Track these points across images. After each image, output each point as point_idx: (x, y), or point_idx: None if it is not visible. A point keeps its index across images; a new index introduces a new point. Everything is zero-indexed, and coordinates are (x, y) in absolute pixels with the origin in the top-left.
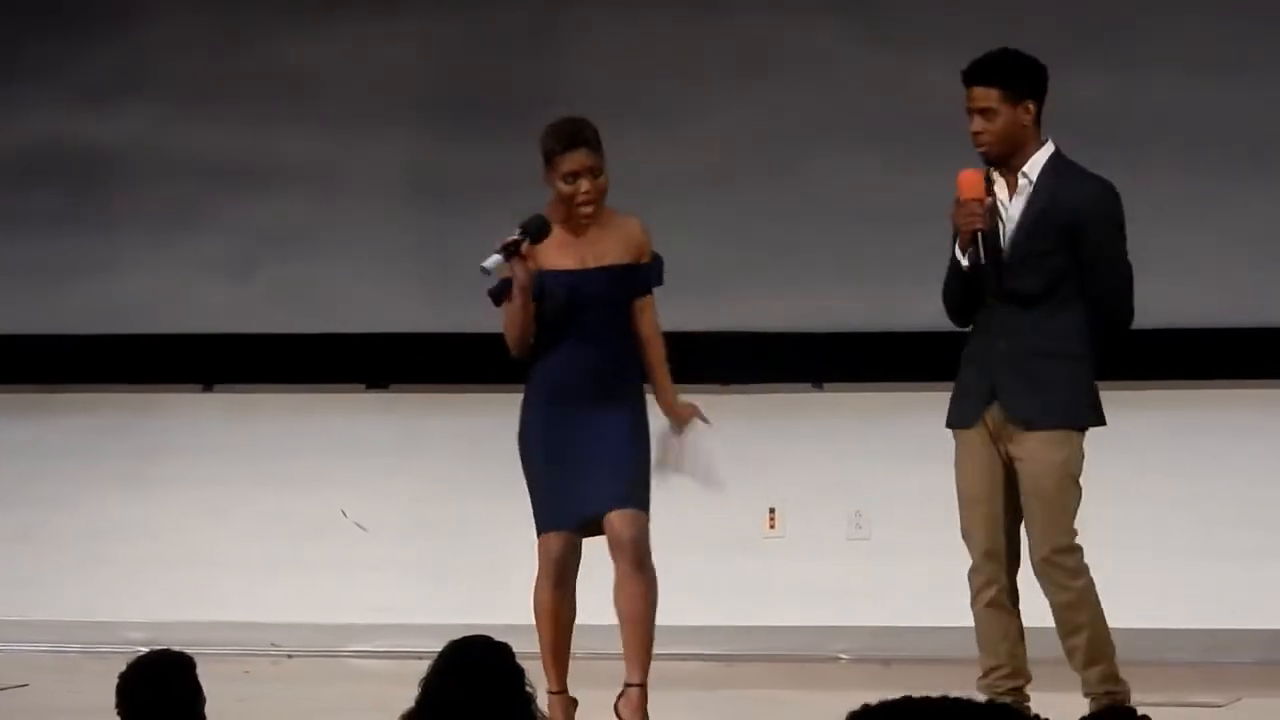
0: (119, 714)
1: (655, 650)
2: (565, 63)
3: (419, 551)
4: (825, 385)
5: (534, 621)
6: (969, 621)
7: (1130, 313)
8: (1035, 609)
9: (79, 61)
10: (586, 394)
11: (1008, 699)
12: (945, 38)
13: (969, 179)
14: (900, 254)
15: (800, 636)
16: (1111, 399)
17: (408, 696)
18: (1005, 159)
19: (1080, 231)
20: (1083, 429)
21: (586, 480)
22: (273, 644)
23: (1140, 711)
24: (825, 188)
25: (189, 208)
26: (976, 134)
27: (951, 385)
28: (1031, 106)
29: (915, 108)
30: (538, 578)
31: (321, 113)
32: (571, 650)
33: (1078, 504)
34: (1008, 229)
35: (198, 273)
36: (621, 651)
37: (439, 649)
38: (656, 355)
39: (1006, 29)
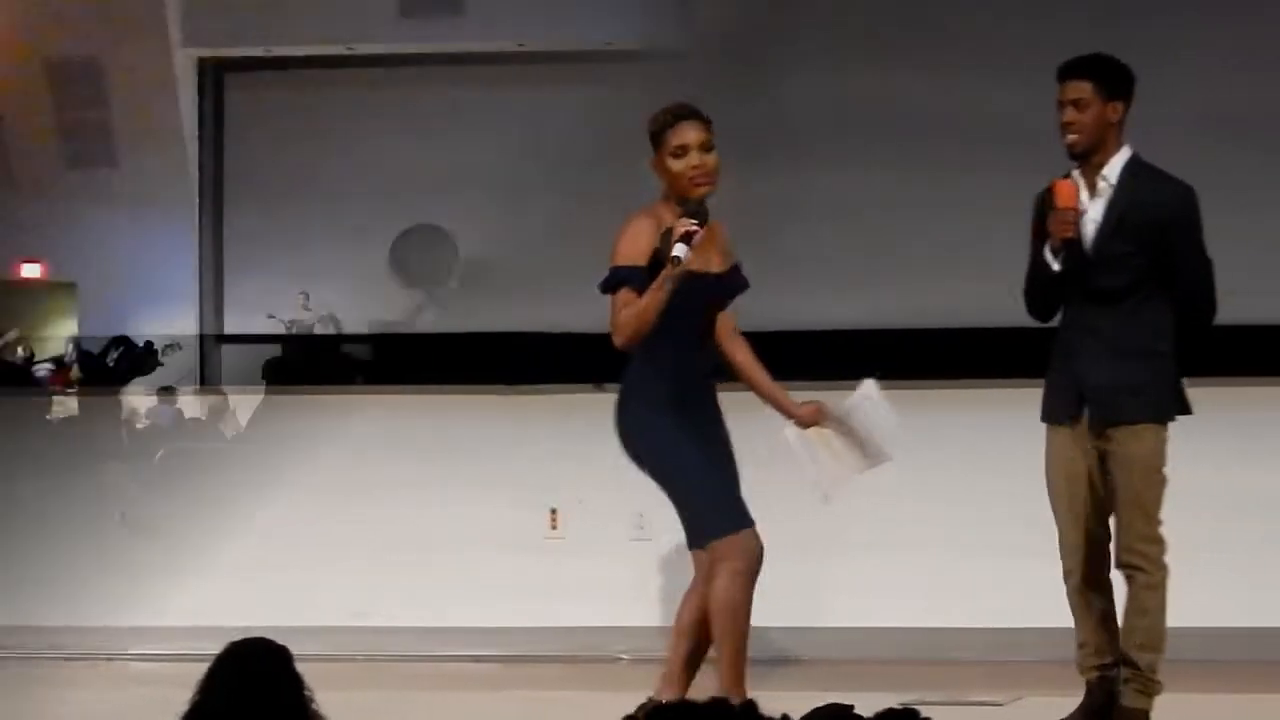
0: (201, 694)
1: (434, 653)
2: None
3: (201, 552)
4: (605, 385)
5: (724, 623)
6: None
7: (1213, 308)
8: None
9: None
10: (698, 401)
11: (1094, 675)
12: (803, 44)
13: (1065, 188)
14: None
15: (582, 637)
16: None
17: (187, 699)
18: (1088, 155)
19: (1161, 233)
20: (1166, 422)
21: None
22: (50, 646)
23: (923, 712)
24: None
25: None
26: (1068, 124)
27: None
28: (1119, 107)
29: (770, 112)
30: (734, 575)
31: None
32: None
33: (1161, 493)
34: (1089, 230)
35: None
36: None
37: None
38: (753, 355)
39: (862, 35)
